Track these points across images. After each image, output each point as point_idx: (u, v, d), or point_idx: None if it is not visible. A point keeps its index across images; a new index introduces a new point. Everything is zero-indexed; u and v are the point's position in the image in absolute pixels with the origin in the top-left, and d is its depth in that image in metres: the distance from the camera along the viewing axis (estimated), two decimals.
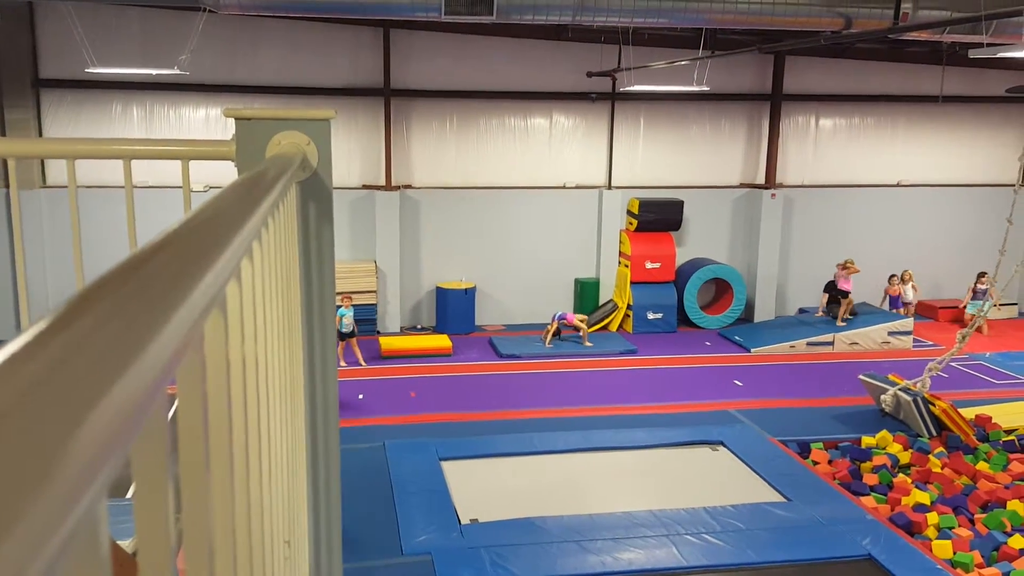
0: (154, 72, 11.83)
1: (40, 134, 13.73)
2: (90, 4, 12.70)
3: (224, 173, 2.25)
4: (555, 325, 14.06)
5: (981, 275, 15.19)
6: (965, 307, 15.46)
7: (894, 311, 15.17)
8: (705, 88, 13.39)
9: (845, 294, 14.75)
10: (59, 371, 0.32)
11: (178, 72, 11.65)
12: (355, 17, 11.78)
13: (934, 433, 10.03)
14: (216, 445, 0.82)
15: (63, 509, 0.27)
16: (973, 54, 9.82)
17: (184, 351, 0.49)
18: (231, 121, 2.02)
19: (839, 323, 14.60)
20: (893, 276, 15.45)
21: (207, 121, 14.37)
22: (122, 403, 0.35)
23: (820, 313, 15.19)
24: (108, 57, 12.82)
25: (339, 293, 12.38)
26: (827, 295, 15.15)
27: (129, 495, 5.91)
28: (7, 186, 13.20)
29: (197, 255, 0.61)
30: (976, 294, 15.37)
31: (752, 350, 14.17)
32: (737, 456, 9.50)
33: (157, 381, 0.41)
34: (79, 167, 1.99)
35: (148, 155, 2.07)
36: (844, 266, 14.93)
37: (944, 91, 15.02)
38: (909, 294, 15.47)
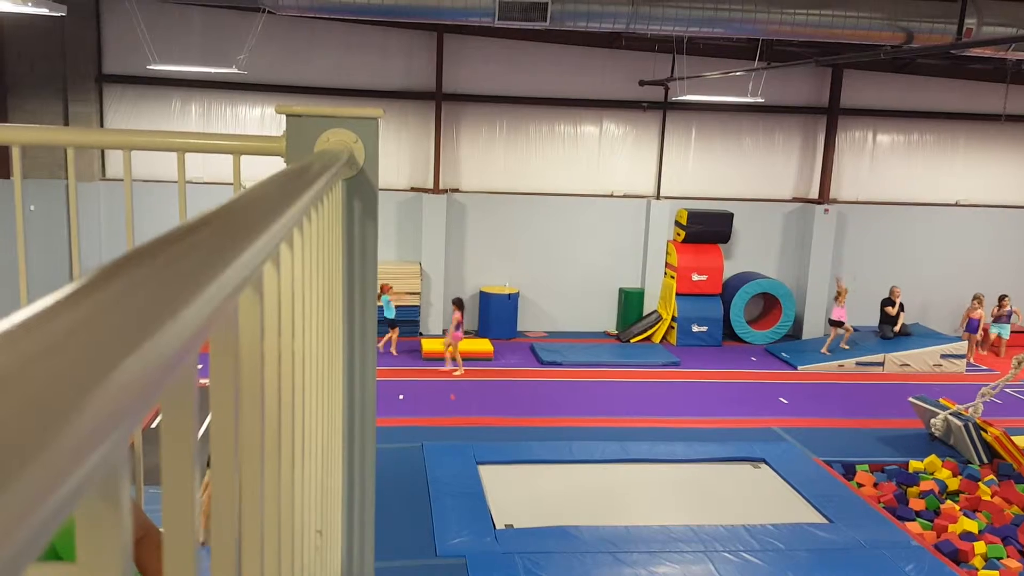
0: (213, 71, 12.11)
1: (101, 128, 14.14)
2: (154, 2, 13.06)
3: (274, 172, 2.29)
4: None
5: (1003, 298, 15.26)
6: (987, 328, 15.32)
7: (967, 335, 14.83)
8: (759, 100, 13.25)
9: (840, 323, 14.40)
10: (94, 323, 0.34)
11: (236, 71, 11.91)
12: (409, 21, 11.90)
13: (985, 460, 9.75)
14: (247, 428, 0.84)
15: (85, 445, 0.28)
16: None
17: (216, 320, 0.51)
18: (284, 120, 2.06)
19: (834, 348, 14.35)
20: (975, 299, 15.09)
21: (262, 119, 14.67)
22: (151, 360, 0.36)
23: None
24: (169, 55, 13.17)
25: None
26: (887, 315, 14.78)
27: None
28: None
29: (234, 232, 0.63)
30: (1000, 317, 15.19)
31: (799, 367, 13.94)
32: (779, 475, 9.35)
33: (187, 344, 0.42)
34: (137, 162, 2.04)
35: (201, 148, 2.12)
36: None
37: (1007, 109, 14.64)
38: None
